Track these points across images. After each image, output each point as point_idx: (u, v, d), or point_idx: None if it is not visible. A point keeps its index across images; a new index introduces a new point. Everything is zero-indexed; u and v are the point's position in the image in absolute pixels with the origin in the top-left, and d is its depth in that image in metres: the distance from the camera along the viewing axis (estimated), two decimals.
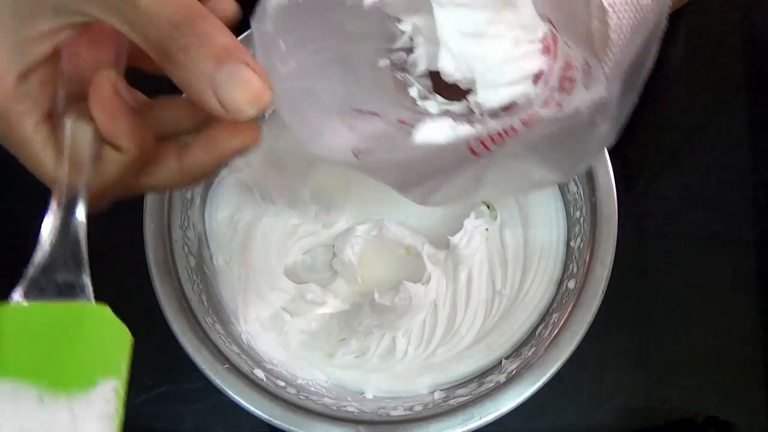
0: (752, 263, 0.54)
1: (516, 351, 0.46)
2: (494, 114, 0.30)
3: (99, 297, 0.54)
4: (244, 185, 0.51)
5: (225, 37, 0.22)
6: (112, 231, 0.53)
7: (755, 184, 0.56)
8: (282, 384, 0.43)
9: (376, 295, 0.47)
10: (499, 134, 0.28)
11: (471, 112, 0.31)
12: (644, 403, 0.51)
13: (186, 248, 0.45)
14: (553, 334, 0.42)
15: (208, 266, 0.48)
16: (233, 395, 0.41)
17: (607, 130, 0.24)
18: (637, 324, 0.52)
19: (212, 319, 0.44)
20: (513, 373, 0.42)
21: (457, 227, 0.50)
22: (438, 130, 0.29)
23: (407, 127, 0.31)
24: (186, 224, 0.46)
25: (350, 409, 0.43)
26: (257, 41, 0.26)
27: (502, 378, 0.43)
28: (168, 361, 0.49)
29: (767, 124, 0.57)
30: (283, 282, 0.49)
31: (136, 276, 0.43)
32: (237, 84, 0.22)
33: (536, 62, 0.30)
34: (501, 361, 0.46)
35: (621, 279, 0.43)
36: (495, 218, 0.50)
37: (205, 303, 0.45)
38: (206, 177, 0.28)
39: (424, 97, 0.33)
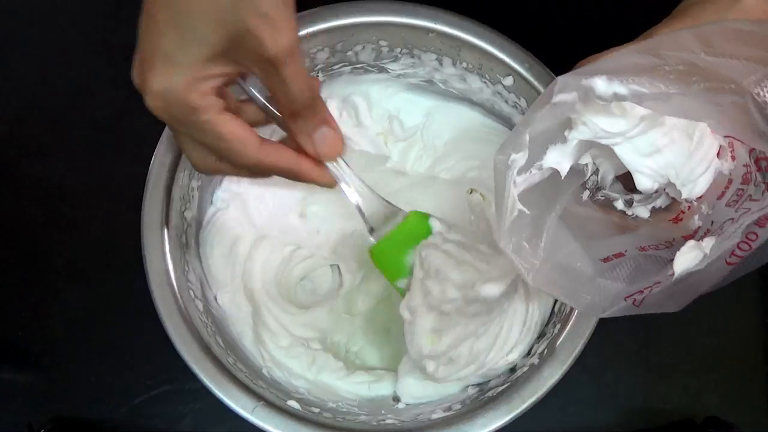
0: None
1: (540, 332, 0.45)
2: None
3: (99, 297, 0.54)
4: (234, 221, 0.50)
5: (325, 112, 0.36)
6: (108, 233, 0.53)
7: None
8: (316, 410, 0.43)
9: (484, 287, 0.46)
10: (747, 243, 0.31)
11: (673, 200, 0.37)
12: (644, 403, 0.51)
13: (192, 293, 0.44)
14: (576, 309, 0.42)
15: (215, 307, 0.47)
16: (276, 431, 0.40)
17: None
18: (637, 324, 0.52)
19: (233, 359, 0.44)
20: (545, 352, 0.42)
21: (456, 219, 0.49)
22: (691, 257, 0.33)
23: (651, 252, 0.36)
24: (186, 268, 0.45)
25: (389, 421, 0.43)
26: (513, 254, 0.35)
27: (535, 360, 0.42)
28: (168, 362, 0.49)
29: None
30: (291, 309, 0.49)
31: (134, 277, 0.43)
32: (325, 141, 0.37)
33: (713, 144, 0.34)
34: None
35: None
36: (490, 205, 0.49)
37: (222, 344, 0.44)
38: (278, 173, 0.37)
39: (630, 204, 0.39)
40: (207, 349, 0.42)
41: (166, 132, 0.44)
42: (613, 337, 0.51)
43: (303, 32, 0.45)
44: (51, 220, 0.54)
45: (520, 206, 0.34)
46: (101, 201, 0.54)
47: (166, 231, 0.43)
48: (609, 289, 0.35)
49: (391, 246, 0.42)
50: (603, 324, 0.42)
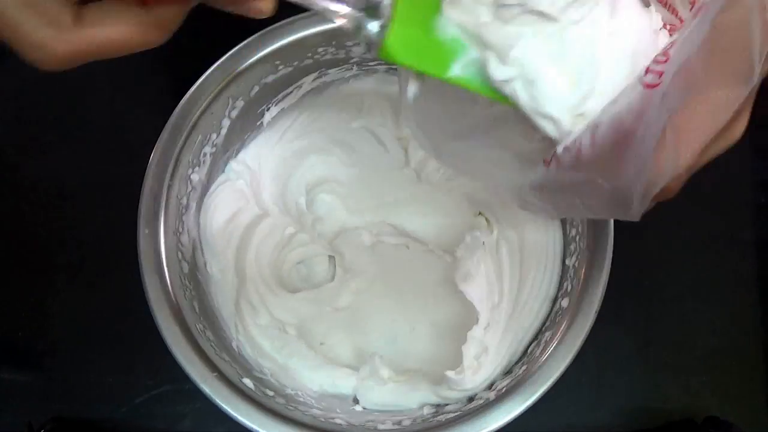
0: (752, 263, 0.54)
1: (508, 372, 0.45)
2: None
3: (99, 297, 0.54)
4: (241, 194, 0.51)
5: None
6: (108, 233, 0.53)
7: (755, 184, 0.56)
8: (271, 393, 0.43)
9: None
10: (664, 54, 0.26)
11: None
12: (644, 403, 0.51)
13: (180, 254, 0.45)
14: (546, 354, 0.41)
15: (202, 273, 0.48)
16: (221, 404, 0.40)
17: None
18: (637, 324, 0.52)
19: (203, 325, 0.44)
20: (503, 390, 0.42)
21: (457, 239, 0.49)
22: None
23: None
24: (180, 230, 0.46)
25: (338, 421, 0.43)
26: (412, 131, 0.32)
27: (491, 395, 0.42)
28: (168, 361, 0.49)
29: (767, 124, 0.57)
30: (278, 291, 0.49)
31: (134, 277, 0.43)
32: None
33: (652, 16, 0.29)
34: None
35: (621, 279, 0.43)
36: (492, 232, 0.49)
37: (197, 310, 0.44)
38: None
39: None
40: (178, 311, 0.42)
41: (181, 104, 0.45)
42: (613, 337, 0.51)
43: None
44: (51, 220, 0.54)
45: (414, 83, 0.30)
46: (101, 201, 0.54)
47: (165, 188, 0.44)
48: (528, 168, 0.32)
49: (412, 24, 0.26)
50: (603, 324, 0.42)
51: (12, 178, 0.55)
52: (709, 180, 0.55)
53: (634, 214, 0.29)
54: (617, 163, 0.27)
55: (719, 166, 0.57)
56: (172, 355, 0.41)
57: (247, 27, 0.46)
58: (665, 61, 0.26)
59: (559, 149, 0.28)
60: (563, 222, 0.47)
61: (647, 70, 0.26)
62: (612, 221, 0.43)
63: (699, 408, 0.50)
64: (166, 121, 0.45)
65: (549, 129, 0.27)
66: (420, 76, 0.29)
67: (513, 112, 0.29)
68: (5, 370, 0.52)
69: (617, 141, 0.27)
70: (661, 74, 0.26)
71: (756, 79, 0.27)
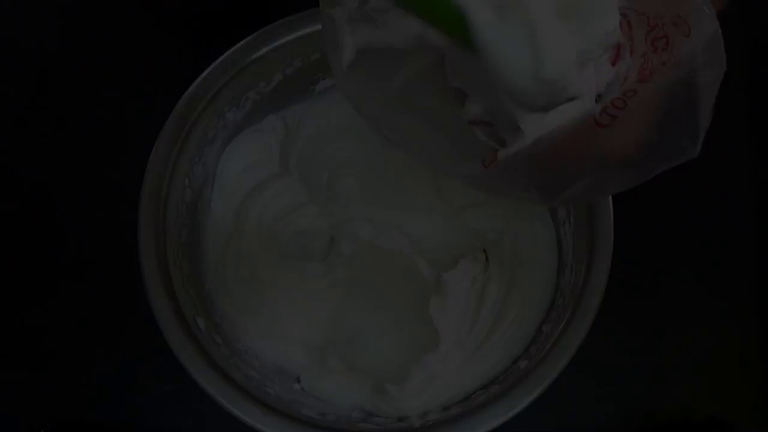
0: (752, 263, 0.54)
1: (445, 408, 0.44)
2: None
3: (99, 297, 0.54)
4: (268, 148, 0.51)
5: None
6: (108, 232, 0.53)
7: (755, 184, 0.56)
8: (219, 341, 0.43)
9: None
10: (622, 99, 0.27)
11: None
12: (644, 403, 0.51)
13: (188, 180, 0.45)
14: (485, 405, 0.40)
15: (204, 208, 0.48)
16: (166, 333, 0.41)
17: (718, 67, 0.25)
18: (637, 324, 0.52)
19: (181, 254, 0.44)
20: (430, 423, 0.41)
21: (452, 263, 0.48)
22: (556, 117, 0.28)
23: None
24: (197, 159, 0.46)
25: (269, 391, 0.43)
26: (345, 87, 0.32)
27: (418, 423, 0.41)
28: (168, 362, 0.49)
29: (767, 124, 0.57)
30: (270, 250, 0.50)
31: (135, 277, 0.43)
32: None
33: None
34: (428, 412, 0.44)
35: (620, 279, 0.43)
36: (485, 271, 0.48)
37: (182, 238, 0.45)
38: None
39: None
40: (162, 232, 0.42)
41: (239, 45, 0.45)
42: (612, 337, 0.51)
43: None
44: (51, 220, 0.55)
45: (349, 49, 0.31)
46: (101, 200, 0.54)
47: (196, 114, 0.45)
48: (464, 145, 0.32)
49: None
50: (603, 324, 0.42)
51: (12, 177, 0.55)
52: (709, 180, 0.55)
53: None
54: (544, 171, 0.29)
55: (719, 166, 0.57)
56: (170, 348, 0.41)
57: (247, 23, 0.46)
58: (623, 107, 0.27)
59: (501, 154, 0.29)
60: (555, 291, 0.46)
61: (602, 110, 0.27)
62: (594, 312, 0.41)
63: (699, 408, 0.50)
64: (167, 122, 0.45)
65: (518, 118, 0.28)
66: (354, 40, 0.31)
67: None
68: (5, 370, 0.52)
69: (551, 153, 0.28)
70: (614, 118, 0.27)
71: None
